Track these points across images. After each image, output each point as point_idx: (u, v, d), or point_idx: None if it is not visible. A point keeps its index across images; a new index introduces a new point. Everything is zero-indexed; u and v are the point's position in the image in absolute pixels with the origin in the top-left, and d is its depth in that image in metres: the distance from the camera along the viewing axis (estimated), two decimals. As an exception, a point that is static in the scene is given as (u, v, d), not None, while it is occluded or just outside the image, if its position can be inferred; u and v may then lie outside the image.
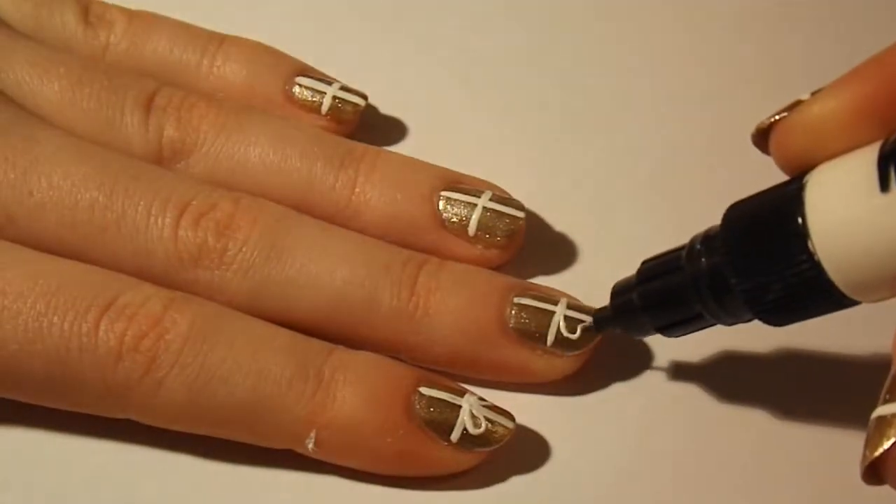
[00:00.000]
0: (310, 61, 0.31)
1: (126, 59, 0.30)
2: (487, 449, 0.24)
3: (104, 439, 0.25)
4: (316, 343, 0.24)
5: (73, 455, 0.24)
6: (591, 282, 0.27)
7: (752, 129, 0.21)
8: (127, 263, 0.25)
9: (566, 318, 0.25)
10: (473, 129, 0.31)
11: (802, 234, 0.19)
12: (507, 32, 0.34)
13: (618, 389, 0.26)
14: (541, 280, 0.28)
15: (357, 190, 0.27)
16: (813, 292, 0.20)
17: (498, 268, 0.27)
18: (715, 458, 0.25)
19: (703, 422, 0.26)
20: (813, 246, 0.19)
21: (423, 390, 0.24)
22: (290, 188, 0.27)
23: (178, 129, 0.27)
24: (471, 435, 0.24)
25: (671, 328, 0.24)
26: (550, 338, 0.25)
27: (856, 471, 0.24)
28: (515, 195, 0.28)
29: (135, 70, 0.29)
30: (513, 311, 0.25)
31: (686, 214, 0.29)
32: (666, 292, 0.23)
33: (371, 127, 0.30)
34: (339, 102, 0.30)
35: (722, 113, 0.31)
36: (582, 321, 0.25)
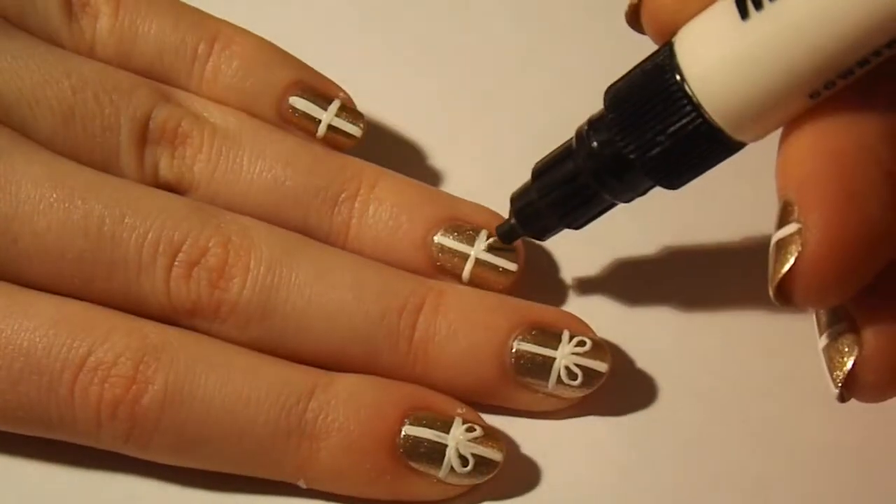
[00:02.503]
0: (310, 60, 0.29)
1: (114, 59, 0.28)
2: (475, 481, 0.24)
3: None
4: (297, 380, 0.24)
5: (72, 453, 0.24)
6: (592, 279, 0.27)
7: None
8: (120, 307, 0.24)
9: (566, 366, 0.25)
10: (473, 131, 0.31)
11: (679, 82, 0.20)
12: (508, 33, 0.34)
13: (610, 410, 0.26)
14: (542, 278, 0.28)
15: (351, 235, 0.27)
16: (699, 137, 0.20)
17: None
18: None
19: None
20: (690, 90, 0.20)
21: (408, 430, 0.24)
22: (286, 226, 0.26)
23: (172, 169, 0.27)
24: (457, 472, 0.24)
25: (574, 215, 0.25)
26: (551, 384, 0.25)
27: (856, 473, 0.25)
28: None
29: (125, 77, 0.27)
30: (513, 358, 0.25)
31: (687, 211, 0.29)
32: (562, 180, 0.24)
33: (371, 129, 0.29)
34: (334, 131, 0.28)
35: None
36: (584, 367, 0.25)
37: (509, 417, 0.25)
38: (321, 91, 0.28)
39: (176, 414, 0.23)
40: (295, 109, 0.28)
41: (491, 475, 0.24)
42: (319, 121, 0.28)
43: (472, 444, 0.24)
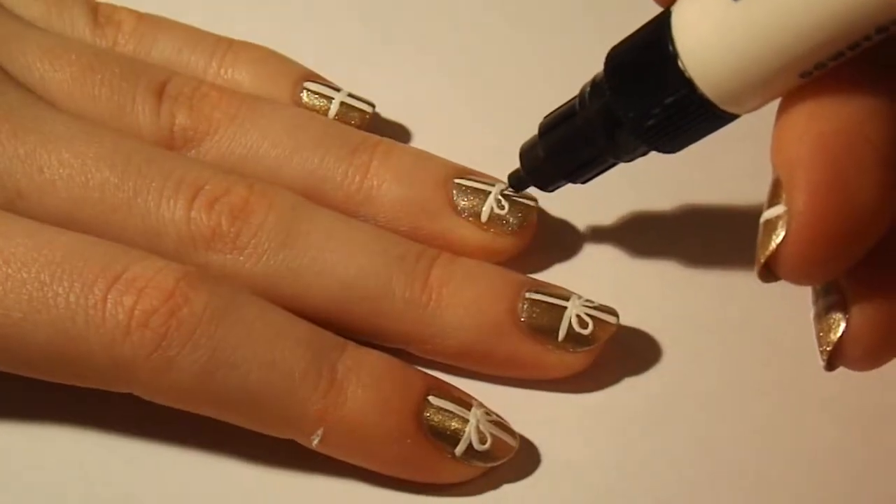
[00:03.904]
0: (309, 59, 0.30)
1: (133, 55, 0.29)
2: (488, 465, 0.24)
3: (102, 438, 0.25)
4: (331, 338, 0.24)
5: (71, 454, 0.24)
6: (594, 275, 0.28)
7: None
8: (137, 244, 0.24)
9: (577, 315, 0.25)
10: (475, 132, 0.31)
11: (672, 56, 0.20)
12: (508, 33, 0.34)
13: (611, 396, 0.26)
14: (544, 275, 0.28)
15: (370, 174, 0.27)
16: (690, 110, 0.21)
17: (507, 265, 0.27)
18: (709, 469, 0.25)
19: (697, 433, 0.25)
20: (683, 65, 0.20)
21: (433, 400, 0.24)
22: (303, 173, 0.27)
23: (190, 116, 0.27)
24: (475, 450, 0.24)
25: (576, 173, 0.25)
26: (562, 333, 0.25)
27: (856, 471, 0.25)
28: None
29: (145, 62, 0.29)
30: (525, 306, 0.25)
31: (688, 206, 0.29)
32: (564, 139, 0.25)
33: (373, 131, 0.29)
34: (347, 108, 0.29)
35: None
36: (595, 317, 0.25)
37: (510, 412, 0.25)
38: (331, 85, 0.30)
39: (213, 330, 0.22)
40: (309, 91, 0.29)
41: (501, 461, 0.24)
42: (331, 99, 0.29)
43: (490, 425, 0.24)
